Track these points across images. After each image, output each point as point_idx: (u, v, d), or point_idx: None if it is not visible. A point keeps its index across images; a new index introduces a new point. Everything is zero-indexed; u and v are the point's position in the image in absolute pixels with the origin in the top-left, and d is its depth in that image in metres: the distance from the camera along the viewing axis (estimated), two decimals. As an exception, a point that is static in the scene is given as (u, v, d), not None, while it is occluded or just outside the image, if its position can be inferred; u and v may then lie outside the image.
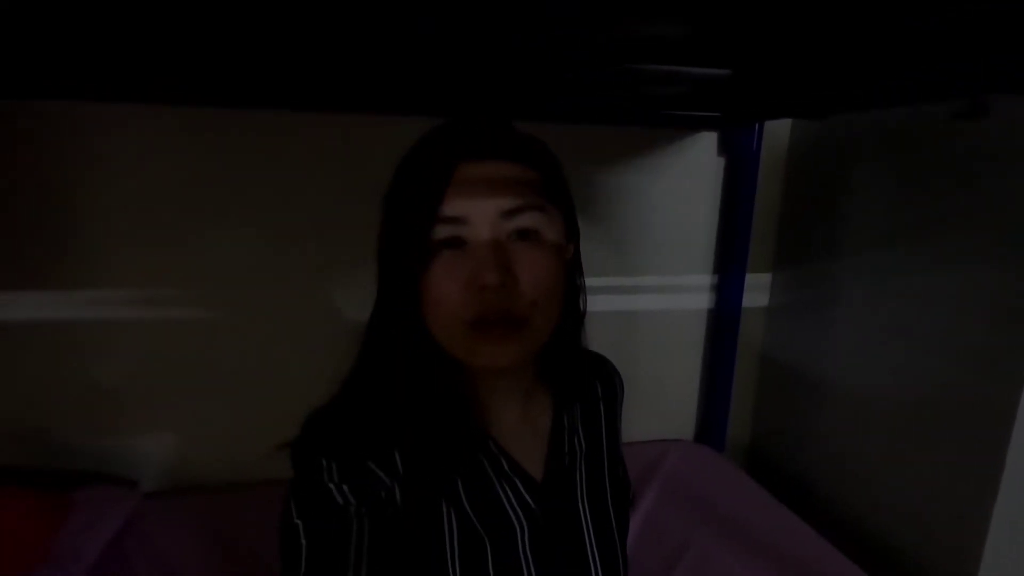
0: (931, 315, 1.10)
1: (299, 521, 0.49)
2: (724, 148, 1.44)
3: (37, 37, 0.68)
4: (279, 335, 1.26)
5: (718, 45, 0.72)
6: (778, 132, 1.45)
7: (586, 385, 0.67)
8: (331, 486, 0.49)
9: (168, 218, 1.18)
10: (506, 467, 0.57)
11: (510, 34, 0.67)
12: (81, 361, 1.19)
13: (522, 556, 0.55)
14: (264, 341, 1.26)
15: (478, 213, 0.48)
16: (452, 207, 0.48)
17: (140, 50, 0.76)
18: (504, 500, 0.56)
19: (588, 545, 0.59)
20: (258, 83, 1.01)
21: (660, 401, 1.55)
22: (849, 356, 1.30)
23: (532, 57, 0.77)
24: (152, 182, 1.16)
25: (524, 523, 0.56)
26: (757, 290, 1.53)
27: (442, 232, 0.48)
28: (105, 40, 0.70)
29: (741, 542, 1.14)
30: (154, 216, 1.17)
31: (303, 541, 0.49)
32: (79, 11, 0.59)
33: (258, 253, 1.23)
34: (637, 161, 1.40)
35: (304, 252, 1.24)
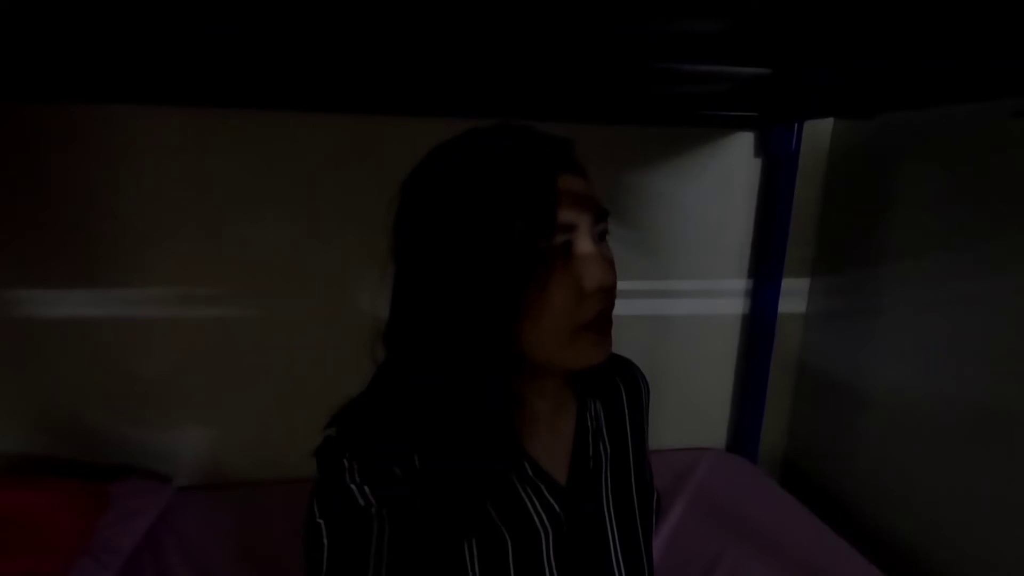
0: (979, 322, 1.05)
1: (321, 520, 0.49)
2: (761, 149, 1.40)
3: (75, 42, 0.70)
4: (312, 333, 1.28)
5: (757, 42, 0.70)
6: (819, 132, 1.41)
7: (610, 387, 0.65)
8: (353, 486, 0.49)
9: (201, 218, 1.20)
10: (530, 472, 0.56)
11: (537, 32, 0.66)
12: (117, 358, 1.23)
13: (545, 561, 0.54)
14: (297, 339, 1.28)
15: (583, 221, 0.51)
16: (564, 216, 0.49)
17: (176, 55, 0.78)
18: (528, 505, 0.55)
19: (612, 550, 0.58)
20: (278, 85, 1.03)
21: (692, 408, 1.52)
22: (891, 365, 1.25)
23: (563, 55, 0.76)
24: (186, 183, 1.18)
25: (548, 528, 0.55)
26: (794, 295, 1.49)
27: (558, 240, 0.50)
28: (142, 45, 0.72)
29: (773, 556, 1.10)
30: (188, 216, 1.20)
31: (325, 540, 0.49)
32: (118, 18, 0.60)
33: (291, 251, 1.24)
34: (671, 162, 1.38)
35: (337, 250, 1.25)
